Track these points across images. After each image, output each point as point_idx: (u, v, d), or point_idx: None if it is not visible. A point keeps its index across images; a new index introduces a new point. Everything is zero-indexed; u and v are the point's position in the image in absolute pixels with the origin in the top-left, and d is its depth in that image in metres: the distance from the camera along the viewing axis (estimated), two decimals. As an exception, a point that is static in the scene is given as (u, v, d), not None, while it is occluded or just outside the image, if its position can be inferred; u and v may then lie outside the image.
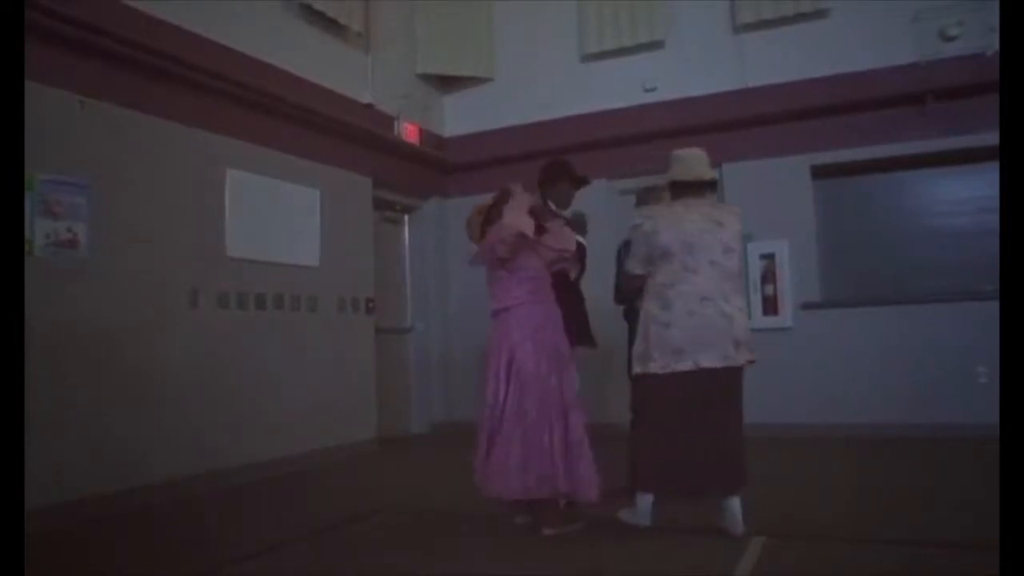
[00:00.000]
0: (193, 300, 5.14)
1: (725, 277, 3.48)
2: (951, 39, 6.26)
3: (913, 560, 3.08)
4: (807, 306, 6.70)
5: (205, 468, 5.02)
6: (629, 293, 3.89)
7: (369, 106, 7.03)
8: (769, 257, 6.80)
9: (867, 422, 6.25)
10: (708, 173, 3.64)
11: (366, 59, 7.06)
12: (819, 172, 6.82)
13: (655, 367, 3.46)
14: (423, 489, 5.06)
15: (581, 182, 4.38)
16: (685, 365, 3.41)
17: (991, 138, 5.77)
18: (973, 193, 6.46)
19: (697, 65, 7.17)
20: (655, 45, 7.37)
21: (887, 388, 6.27)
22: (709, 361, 3.41)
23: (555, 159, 4.54)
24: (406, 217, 8.10)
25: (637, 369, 3.56)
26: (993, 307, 5.54)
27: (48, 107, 4.22)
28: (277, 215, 5.90)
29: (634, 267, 3.63)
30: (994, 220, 6.02)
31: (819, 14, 6.75)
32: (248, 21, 5.72)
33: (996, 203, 6.04)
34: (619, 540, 3.50)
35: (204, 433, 5.07)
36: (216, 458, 5.13)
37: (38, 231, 4.18)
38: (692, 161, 3.63)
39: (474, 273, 7.91)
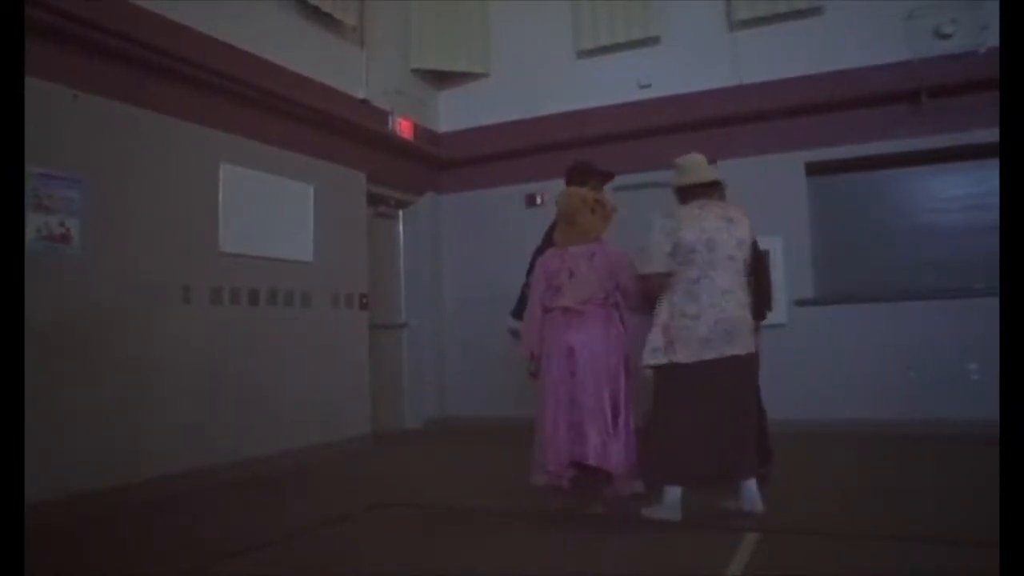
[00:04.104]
0: (186, 295, 5.12)
1: (738, 270, 3.73)
2: (945, 37, 6.28)
3: (906, 555, 3.10)
4: (801, 303, 6.71)
5: (199, 464, 5.01)
6: (655, 292, 3.81)
7: (364, 101, 7.01)
8: (763, 254, 6.81)
9: (860, 418, 6.26)
10: (710, 175, 3.90)
11: (361, 54, 7.03)
12: (813, 169, 6.83)
13: (681, 357, 3.63)
14: (418, 485, 5.06)
15: (607, 177, 4.60)
16: (711, 354, 3.60)
17: (985, 135, 5.80)
18: (967, 190, 6.48)
19: (692, 62, 7.17)
20: (650, 41, 7.37)
21: (880, 384, 6.30)
22: (732, 349, 3.62)
23: (577, 161, 4.67)
24: (400, 213, 8.08)
25: (658, 360, 3.68)
26: (986, 304, 5.57)
27: (41, 101, 4.17)
28: (271, 210, 5.87)
29: (659, 265, 3.72)
30: (987, 217, 6.05)
31: (813, 11, 6.75)
32: (242, 16, 5.69)
33: (989, 200, 6.08)
34: (612, 536, 3.51)
35: (197, 429, 5.05)
36: (210, 454, 5.11)
37: (30, 225, 4.14)
38: (694, 166, 3.90)
39: (468, 270, 7.99)
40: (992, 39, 5.99)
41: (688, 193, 3.85)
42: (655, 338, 3.72)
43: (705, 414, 3.61)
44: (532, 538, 3.59)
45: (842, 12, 6.65)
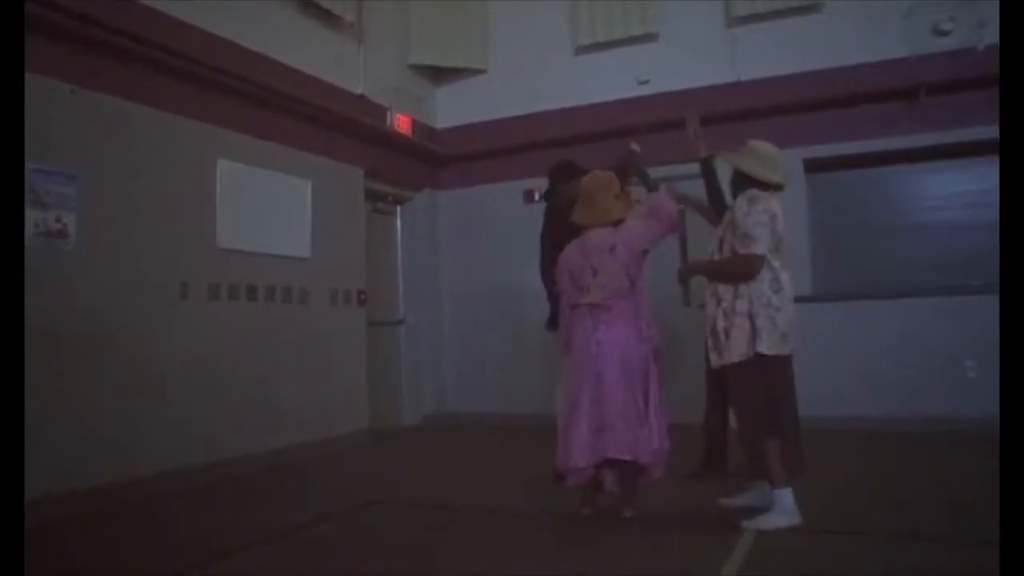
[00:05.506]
0: (184, 292, 5.11)
1: None
2: (943, 34, 6.29)
3: (904, 554, 3.10)
4: (798, 300, 6.67)
5: (195, 461, 4.99)
6: (753, 275, 3.53)
7: (362, 97, 7.00)
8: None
9: (857, 415, 6.27)
10: (787, 180, 3.75)
11: (359, 50, 7.02)
12: (811, 166, 6.82)
13: (763, 348, 3.48)
14: (416, 482, 5.06)
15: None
16: (786, 349, 3.53)
17: (983, 132, 5.80)
18: (965, 187, 6.48)
19: (690, 58, 7.15)
20: (648, 38, 7.36)
21: (877, 382, 6.31)
22: (796, 348, 3.58)
23: (560, 160, 4.63)
24: (398, 209, 8.08)
25: (745, 354, 3.49)
26: (983, 301, 5.58)
27: (38, 96, 4.15)
28: (268, 206, 5.86)
29: (764, 247, 3.51)
30: (985, 214, 6.06)
31: (812, 8, 6.75)
32: (240, 11, 5.67)
33: (987, 197, 6.09)
34: (610, 535, 3.51)
35: (194, 426, 5.04)
36: (207, 451, 5.10)
37: (27, 221, 4.12)
38: (777, 160, 3.70)
39: (466, 266, 7.98)
40: (990, 36, 5.99)
41: (766, 187, 3.63)
42: (744, 327, 3.50)
43: (788, 410, 3.58)
44: (530, 536, 3.58)
45: (840, 9, 6.65)
